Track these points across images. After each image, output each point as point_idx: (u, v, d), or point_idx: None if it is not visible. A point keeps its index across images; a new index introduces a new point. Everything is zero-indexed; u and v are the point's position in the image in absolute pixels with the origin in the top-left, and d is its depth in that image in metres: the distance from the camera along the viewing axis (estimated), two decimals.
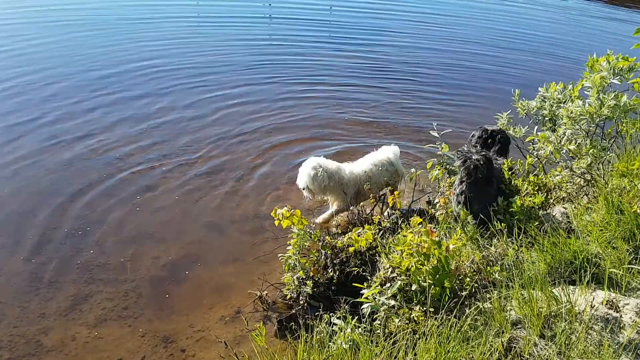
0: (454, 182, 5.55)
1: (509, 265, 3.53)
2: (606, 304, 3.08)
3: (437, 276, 3.43)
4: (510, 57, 13.88)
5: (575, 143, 4.81)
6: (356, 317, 3.42)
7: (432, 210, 4.98)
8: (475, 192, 4.26)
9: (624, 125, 4.78)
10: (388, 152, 5.87)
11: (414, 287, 3.49)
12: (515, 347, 2.87)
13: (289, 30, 15.79)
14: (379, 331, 3.27)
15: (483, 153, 4.45)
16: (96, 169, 6.79)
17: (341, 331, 3.25)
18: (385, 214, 5.38)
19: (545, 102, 5.38)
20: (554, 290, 3.15)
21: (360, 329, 3.27)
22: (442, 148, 5.47)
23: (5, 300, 4.59)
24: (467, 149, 4.63)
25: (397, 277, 3.68)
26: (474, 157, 4.35)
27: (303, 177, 5.44)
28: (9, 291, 4.70)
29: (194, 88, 10.06)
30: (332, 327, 3.38)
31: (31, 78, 9.82)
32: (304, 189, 5.50)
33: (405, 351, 2.94)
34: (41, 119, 8.09)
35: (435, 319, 3.12)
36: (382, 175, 5.68)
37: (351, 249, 4.44)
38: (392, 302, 3.48)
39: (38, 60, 11.02)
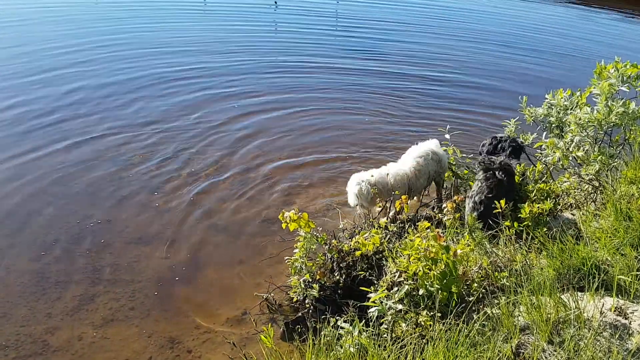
0: (459, 186, 5.61)
1: (517, 271, 3.53)
2: (615, 311, 3.07)
3: (445, 281, 3.43)
4: (517, 63, 13.88)
5: (583, 150, 4.81)
6: (363, 321, 3.42)
7: (440, 215, 4.98)
8: (493, 203, 4.27)
9: (632, 132, 4.78)
10: (430, 144, 5.84)
11: (421, 292, 3.49)
12: (523, 353, 2.87)
13: (293, 19, 16.20)
14: (386, 335, 3.26)
15: (506, 168, 4.49)
16: (103, 169, 6.82)
17: (348, 335, 3.25)
18: (391, 213, 5.38)
19: (552, 109, 5.38)
20: (562, 297, 3.15)
21: (367, 333, 3.27)
22: (449, 151, 5.52)
23: (12, 300, 4.61)
24: (489, 159, 4.65)
25: (404, 282, 3.67)
26: (497, 174, 4.40)
27: (352, 197, 5.40)
28: (16, 290, 4.72)
29: (202, 87, 10.20)
30: (339, 330, 3.38)
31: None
32: (356, 207, 5.47)
33: (413, 356, 2.94)
34: (47, 116, 8.16)
35: (443, 324, 3.12)
36: (429, 167, 5.65)
37: (358, 253, 4.44)
38: (400, 307, 3.48)
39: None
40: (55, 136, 7.59)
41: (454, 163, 5.95)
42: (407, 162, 5.67)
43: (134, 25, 14.61)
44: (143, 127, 8.14)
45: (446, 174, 5.90)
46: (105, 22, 14.73)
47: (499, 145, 5.05)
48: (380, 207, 5.41)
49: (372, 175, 5.38)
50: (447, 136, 5.81)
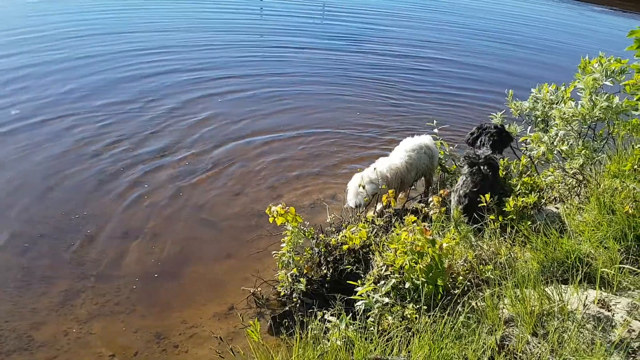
0: (445, 180, 5.64)
1: (501, 264, 3.56)
2: (598, 303, 3.11)
3: (431, 274, 3.45)
4: (505, 57, 13.97)
5: (568, 144, 4.86)
6: (350, 315, 3.43)
7: (426, 209, 5.01)
8: (478, 196, 4.30)
9: (615, 126, 4.83)
10: (424, 138, 5.85)
11: (407, 285, 3.51)
12: (508, 345, 2.90)
13: (279, 6, 16.39)
14: (372, 328, 3.28)
15: (490, 162, 4.52)
16: (88, 163, 6.75)
17: (335, 328, 3.26)
18: (378, 209, 5.38)
19: (538, 103, 5.43)
20: (546, 289, 3.18)
21: (354, 326, 3.28)
22: (437, 144, 5.55)
23: None
24: (474, 153, 4.68)
25: (391, 275, 3.69)
26: (482, 169, 4.44)
27: (364, 192, 5.24)
28: (0, 286, 4.67)
29: (185, 78, 10.15)
30: (326, 324, 3.39)
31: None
32: (361, 205, 5.30)
33: (399, 348, 2.96)
34: (28, 111, 8.03)
35: (429, 316, 3.14)
36: (421, 160, 5.66)
37: (345, 247, 4.45)
38: (386, 300, 3.50)
39: None
40: (35, 129, 7.49)
41: (443, 157, 5.98)
42: (399, 155, 5.67)
43: (105, 9, 14.63)
44: (125, 122, 8.08)
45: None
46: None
47: (479, 139, 5.06)
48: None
49: (373, 171, 5.34)
50: (436, 130, 5.86)
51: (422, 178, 6.06)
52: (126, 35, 12.31)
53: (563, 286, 3.27)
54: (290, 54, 12.00)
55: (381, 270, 3.86)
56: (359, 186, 5.22)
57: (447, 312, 3.09)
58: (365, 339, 3.06)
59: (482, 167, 4.50)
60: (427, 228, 3.57)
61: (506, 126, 5.39)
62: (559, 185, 4.85)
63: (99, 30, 12.56)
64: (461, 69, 12.33)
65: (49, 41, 11.31)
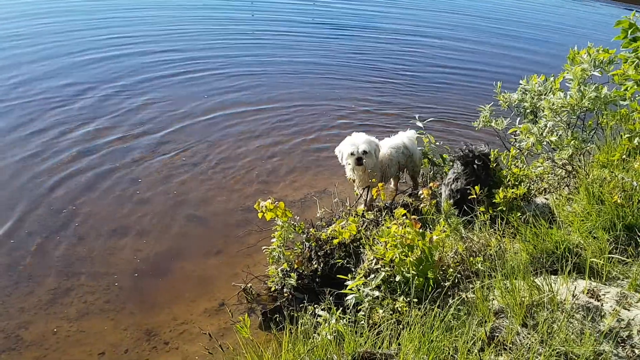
0: (435, 173, 5.63)
1: (491, 256, 3.56)
2: (587, 293, 3.11)
3: (421, 267, 3.44)
4: (493, 49, 13.98)
5: (557, 135, 4.86)
6: (340, 309, 3.42)
7: (416, 202, 5.00)
8: (469, 191, 4.30)
9: (604, 117, 4.83)
10: (403, 137, 5.84)
11: (397, 278, 3.50)
12: (498, 336, 2.89)
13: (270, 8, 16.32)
14: (363, 322, 3.27)
15: (483, 158, 4.51)
16: (76, 160, 6.68)
17: (326, 322, 3.24)
18: (368, 199, 5.38)
19: (527, 94, 5.42)
20: (536, 280, 3.18)
21: (344, 320, 3.27)
22: (425, 139, 5.53)
23: None
24: (467, 149, 4.68)
25: (381, 269, 3.68)
26: (475, 168, 4.44)
27: (363, 144, 5.14)
28: None
29: (175, 75, 10.11)
30: (317, 318, 3.38)
31: None
32: (362, 156, 5.15)
33: (390, 341, 2.95)
34: (9, 105, 7.96)
35: (419, 309, 3.13)
36: (399, 158, 5.67)
37: (335, 241, 4.44)
38: (376, 293, 3.49)
39: None
40: (18, 126, 7.42)
41: (429, 151, 5.97)
42: (384, 150, 5.67)
43: None
44: (112, 117, 8.01)
45: (425, 162, 5.94)
46: None
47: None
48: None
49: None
50: (420, 124, 5.83)
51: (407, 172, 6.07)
52: (94, 21, 12.24)
53: (552, 277, 3.27)
54: (279, 39, 11.98)
55: (371, 263, 3.85)
56: (366, 137, 5.22)
57: (437, 304, 3.09)
58: (356, 333, 3.05)
59: (474, 167, 4.49)
60: (417, 221, 3.56)
61: (493, 120, 5.40)
62: (548, 176, 4.85)
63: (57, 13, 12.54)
64: (454, 53, 12.36)
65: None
